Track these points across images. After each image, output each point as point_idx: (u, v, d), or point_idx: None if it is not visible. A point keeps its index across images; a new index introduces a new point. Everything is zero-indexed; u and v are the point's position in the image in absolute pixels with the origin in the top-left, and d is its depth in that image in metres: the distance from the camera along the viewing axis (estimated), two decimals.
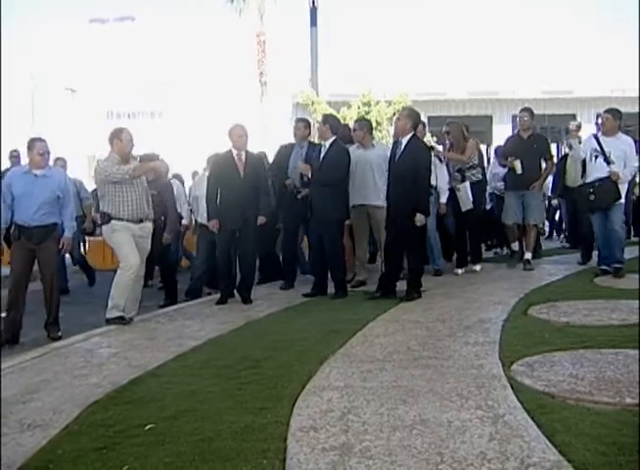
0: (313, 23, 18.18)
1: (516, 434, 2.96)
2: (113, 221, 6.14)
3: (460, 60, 20.80)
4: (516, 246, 8.68)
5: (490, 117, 18.82)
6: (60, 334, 6.14)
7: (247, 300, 6.87)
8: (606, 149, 7.35)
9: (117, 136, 6.26)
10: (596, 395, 3.44)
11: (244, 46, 24.05)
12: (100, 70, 24.26)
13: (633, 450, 2.68)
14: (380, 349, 4.64)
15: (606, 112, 7.59)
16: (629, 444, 2.75)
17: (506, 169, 8.51)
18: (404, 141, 6.58)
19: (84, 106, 25.52)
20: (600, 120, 7.64)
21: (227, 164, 6.93)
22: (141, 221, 6.28)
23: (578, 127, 8.14)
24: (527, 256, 8.37)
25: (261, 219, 6.99)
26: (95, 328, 5.97)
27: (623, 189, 7.42)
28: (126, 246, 6.13)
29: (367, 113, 16.08)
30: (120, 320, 6.05)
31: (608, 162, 7.30)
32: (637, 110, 7.49)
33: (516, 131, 8.74)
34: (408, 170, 6.47)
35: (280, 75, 23.05)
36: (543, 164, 8.30)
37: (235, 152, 6.96)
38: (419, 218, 6.39)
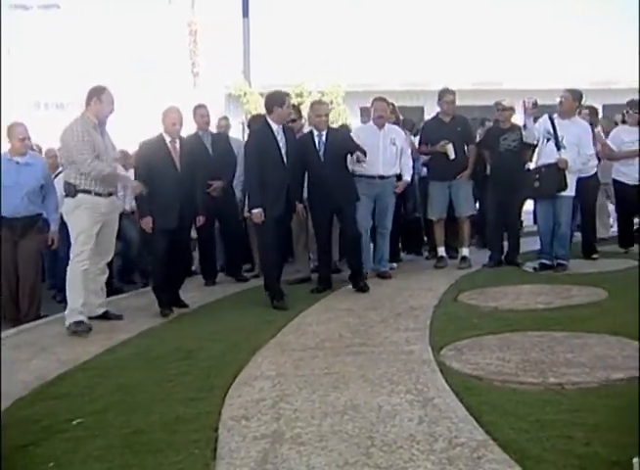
0: (245, 13, 18.07)
1: (444, 416, 3.02)
2: (79, 195, 5.47)
3: (392, 52, 20.95)
4: (442, 251, 7.68)
5: (422, 108, 19.05)
6: None
7: (181, 305, 6.18)
8: (559, 132, 6.83)
9: (97, 95, 5.54)
10: (521, 376, 3.54)
11: (175, 35, 23.66)
12: (25, 59, 23.52)
13: (554, 426, 2.78)
14: (312, 337, 4.67)
15: (565, 91, 7.00)
16: (550, 420, 2.84)
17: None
18: (324, 133, 6.48)
19: (9, 96, 24.68)
20: (558, 100, 6.98)
21: (160, 153, 5.95)
22: (110, 195, 5.68)
23: (534, 105, 6.82)
24: (464, 252, 7.60)
25: (201, 219, 6.23)
26: None
27: (572, 179, 6.89)
28: (85, 232, 5.44)
29: (300, 103, 16.08)
30: (80, 326, 5.32)
31: (558, 147, 6.82)
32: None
33: (434, 115, 7.85)
34: (341, 156, 6.46)
35: (212, 66, 22.80)
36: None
37: (168, 139, 5.99)
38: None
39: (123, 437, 3.02)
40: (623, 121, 7.80)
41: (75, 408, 3.45)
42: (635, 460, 1.94)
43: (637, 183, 7.58)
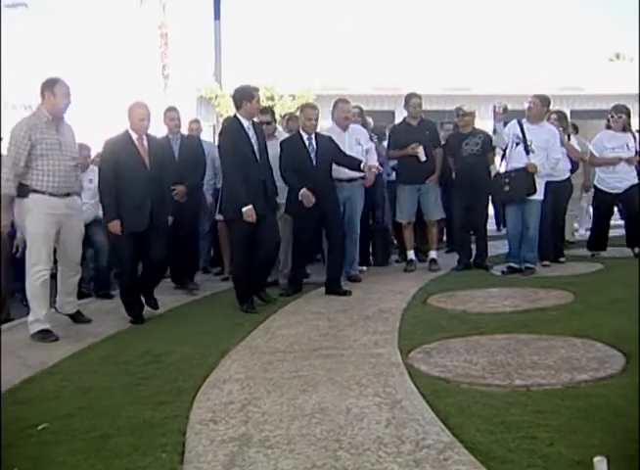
0: (217, 16, 18.01)
1: (412, 418, 3.04)
2: (31, 195, 5.11)
3: (364, 56, 21.09)
4: (412, 254, 7.79)
5: (393, 113, 19.16)
6: None
7: (153, 305, 5.96)
8: (528, 137, 6.92)
9: (50, 88, 5.13)
10: (488, 378, 3.58)
11: (146, 37, 23.57)
12: None
13: (519, 428, 2.81)
14: (281, 340, 4.68)
15: (534, 96, 7.09)
16: (515, 422, 2.88)
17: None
18: (313, 136, 6.53)
19: None
20: (527, 105, 7.05)
21: (127, 150, 5.65)
22: (68, 195, 5.31)
23: (505, 110, 6.89)
24: (433, 254, 7.71)
25: (170, 220, 5.94)
26: None
27: (541, 183, 6.96)
28: (40, 236, 5.13)
29: (271, 107, 16.07)
30: (45, 335, 5.12)
31: (527, 151, 6.90)
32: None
33: (402, 119, 7.96)
34: (330, 161, 6.52)
35: (183, 68, 22.73)
36: None
37: (135, 136, 5.70)
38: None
39: (89, 441, 2.99)
40: (608, 127, 7.75)
41: (41, 413, 3.40)
42: (596, 459, 1.98)
43: (616, 191, 7.63)
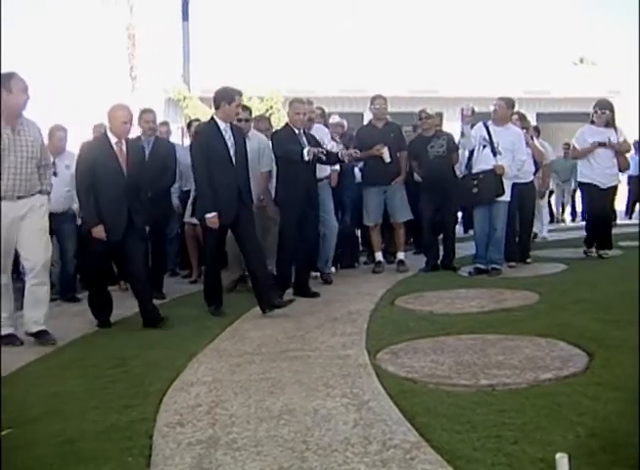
0: (185, 17, 17.93)
1: (379, 419, 3.05)
2: None
3: (331, 58, 21.15)
4: (380, 256, 7.89)
5: (362, 115, 19.23)
6: None
7: (158, 323, 5.47)
8: (494, 139, 7.02)
9: (4, 84, 4.66)
10: (454, 378, 3.61)
11: (113, 38, 23.31)
12: None
13: (484, 427, 2.84)
14: (249, 342, 4.67)
15: (499, 99, 7.25)
16: (481, 421, 2.91)
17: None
18: (302, 131, 6.53)
19: None
20: (493, 107, 7.20)
21: (104, 155, 5.38)
22: (20, 198, 4.88)
23: (473, 112, 6.93)
24: (400, 256, 7.82)
25: (147, 229, 5.84)
26: None
27: (508, 185, 7.07)
28: None
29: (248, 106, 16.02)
30: (10, 339, 4.89)
31: (494, 153, 7.00)
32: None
33: (368, 121, 8.06)
34: (316, 160, 6.50)
35: (151, 70, 22.54)
36: None
37: (114, 140, 5.41)
38: None
39: (54, 446, 2.95)
40: (592, 122, 7.78)
41: (5, 419, 3.33)
42: (558, 456, 2.01)
43: (605, 186, 7.67)
